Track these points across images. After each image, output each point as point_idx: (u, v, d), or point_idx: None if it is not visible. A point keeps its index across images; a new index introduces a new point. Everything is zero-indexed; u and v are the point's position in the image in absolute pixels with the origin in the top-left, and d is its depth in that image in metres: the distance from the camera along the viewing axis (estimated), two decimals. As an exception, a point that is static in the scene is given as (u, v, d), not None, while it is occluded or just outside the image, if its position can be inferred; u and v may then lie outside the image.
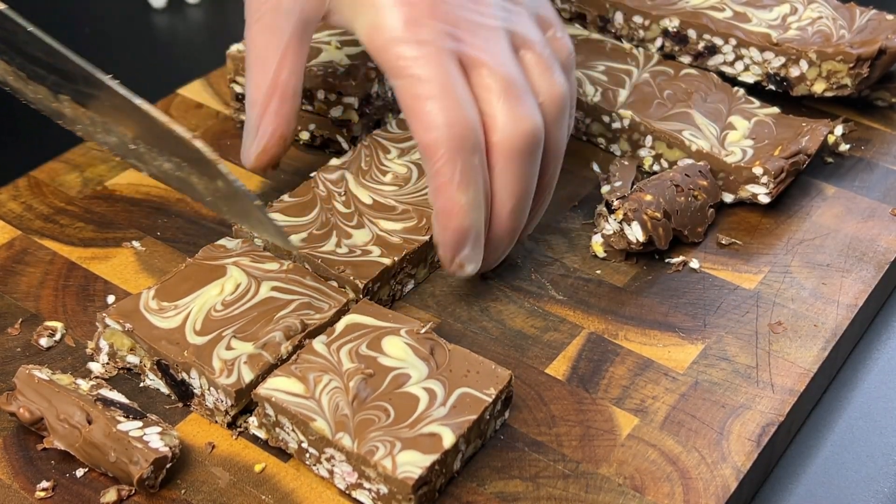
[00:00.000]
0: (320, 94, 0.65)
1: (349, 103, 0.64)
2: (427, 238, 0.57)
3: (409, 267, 0.57)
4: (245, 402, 0.50)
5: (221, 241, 0.58)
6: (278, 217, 0.58)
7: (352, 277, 0.55)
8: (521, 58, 0.54)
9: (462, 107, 0.51)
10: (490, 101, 0.52)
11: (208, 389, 0.50)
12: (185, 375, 0.51)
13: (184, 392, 0.52)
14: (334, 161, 0.62)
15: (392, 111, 0.68)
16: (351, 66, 0.65)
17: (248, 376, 0.50)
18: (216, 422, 0.51)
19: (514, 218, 0.54)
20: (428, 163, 0.52)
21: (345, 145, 0.66)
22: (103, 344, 0.53)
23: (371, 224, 0.58)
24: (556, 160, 0.56)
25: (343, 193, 0.60)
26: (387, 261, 0.56)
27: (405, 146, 0.63)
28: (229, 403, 0.50)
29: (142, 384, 0.53)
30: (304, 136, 0.67)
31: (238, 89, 0.67)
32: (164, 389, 0.53)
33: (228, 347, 0.51)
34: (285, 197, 0.60)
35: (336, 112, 0.65)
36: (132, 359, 0.53)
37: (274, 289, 0.54)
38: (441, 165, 0.51)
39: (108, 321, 0.53)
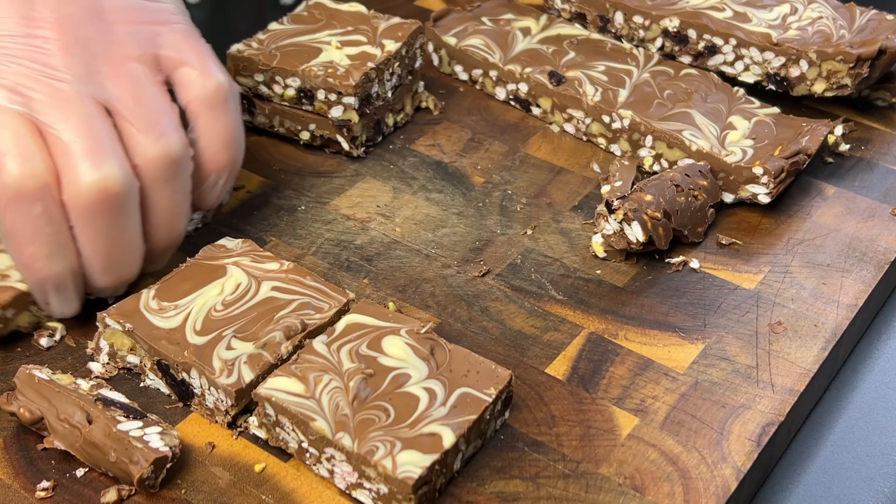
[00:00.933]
0: (320, 94, 0.65)
1: (349, 103, 0.64)
2: None
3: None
4: (245, 402, 0.50)
5: (222, 241, 0.58)
6: None
7: None
8: (114, 120, 0.52)
9: (29, 160, 0.49)
10: (62, 161, 0.50)
11: (208, 389, 0.50)
12: (185, 375, 0.51)
13: (184, 392, 0.52)
14: None
15: (392, 111, 0.68)
16: (351, 66, 0.64)
17: (248, 376, 0.50)
18: (216, 422, 0.51)
19: (109, 272, 0.53)
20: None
21: (345, 145, 0.66)
22: (103, 344, 0.53)
23: None
24: (169, 221, 0.54)
25: None
26: (23, 286, 0.54)
27: None
28: (229, 403, 0.50)
29: (142, 384, 0.53)
30: (305, 136, 0.67)
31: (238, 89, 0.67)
32: (165, 389, 0.53)
33: (229, 347, 0.51)
34: None
35: (336, 112, 0.65)
36: (132, 359, 0.53)
37: (274, 289, 0.54)
38: (4, 220, 0.50)
39: (109, 321, 0.53)
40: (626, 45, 0.72)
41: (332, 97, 0.64)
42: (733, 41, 0.69)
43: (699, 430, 0.51)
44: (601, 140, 0.68)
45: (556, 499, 0.48)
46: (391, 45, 0.66)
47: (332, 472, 0.48)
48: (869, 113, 0.71)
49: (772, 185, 0.61)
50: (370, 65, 0.65)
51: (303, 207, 0.64)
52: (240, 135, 0.57)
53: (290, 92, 0.65)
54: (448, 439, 0.47)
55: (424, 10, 0.81)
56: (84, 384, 0.51)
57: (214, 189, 0.57)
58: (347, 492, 0.48)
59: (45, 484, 0.48)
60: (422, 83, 0.71)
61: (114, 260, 0.53)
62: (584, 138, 0.69)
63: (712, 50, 0.70)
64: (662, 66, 0.70)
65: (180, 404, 0.52)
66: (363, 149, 0.67)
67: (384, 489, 0.46)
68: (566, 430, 0.51)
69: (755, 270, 0.59)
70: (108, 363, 0.54)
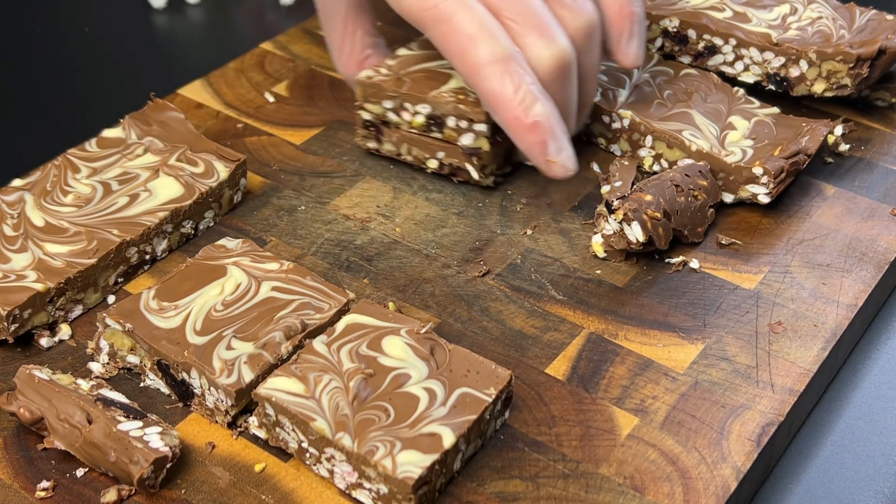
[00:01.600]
0: (451, 121, 0.62)
1: (480, 131, 0.62)
2: (94, 261, 0.56)
3: (74, 292, 0.56)
4: (245, 402, 0.50)
5: (222, 241, 0.58)
6: None
7: None
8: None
9: (499, 38, 0.58)
10: (519, 36, 0.58)
11: (208, 389, 0.50)
12: (185, 375, 0.51)
13: (184, 392, 0.52)
14: (16, 182, 0.60)
15: None
16: None
17: (248, 376, 0.50)
18: (216, 422, 0.51)
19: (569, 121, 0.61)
20: (481, 92, 0.58)
21: (474, 174, 0.64)
22: (103, 344, 0.54)
23: (35, 247, 0.56)
24: (591, 82, 0.63)
25: (16, 216, 0.58)
26: (39, 286, 0.54)
27: (98, 165, 0.62)
28: (229, 403, 0.50)
29: (142, 384, 0.53)
30: (433, 164, 0.65)
31: (366, 116, 0.66)
32: (165, 389, 0.53)
33: (229, 347, 0.51)
34: None
35: (466, 140, 0.63)
36: (132, 359, 0.53)
37: (274, 289, 0.54)
38: (491, 85, 0.57)
39: (109, 321, 0.53)
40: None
41: (463, 124, 0.62)
42: (733, 41, 0.69)
43: (699, 430, 0.51)
44: (601, 140, 0.68)
45: (556, 499, 0.48)
46: None
47: (332, 472, 0.48)
48: (869, 113, 0.71)
49: (772, 185, 0.61)
50: None
51: (303, 207, 0.64)
52: None
53: (420, 119, 0.63)
54: (448, 439, 0.47)
55: (424, 10, 0.81)
56: (84, 384, 0.51)
57: (632, 41, 0.63)
58: (347, 492, 0.48)
59: (45, 484, 0.48)
60: None
61: (568, 117, 0.61)
62: (584, 138, 0.69)
63: (712, 50, 0.70)
64: (662, 66, 0.70)
65: (180, 404, 0.52)
66: (492, 178, 0.65)
67: (384, 489, 0.46)
68: (566, 430, 0.51)
69: (755, 270, 0.59)
70: (108, 363, 0.54)
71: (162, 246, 0.60)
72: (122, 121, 0.64)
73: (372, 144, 0.66)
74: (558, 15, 0.60)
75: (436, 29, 0.59)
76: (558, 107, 0.59)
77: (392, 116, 0.64)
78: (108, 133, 0.64)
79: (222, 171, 0.62)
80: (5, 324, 0.53)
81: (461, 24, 0.58)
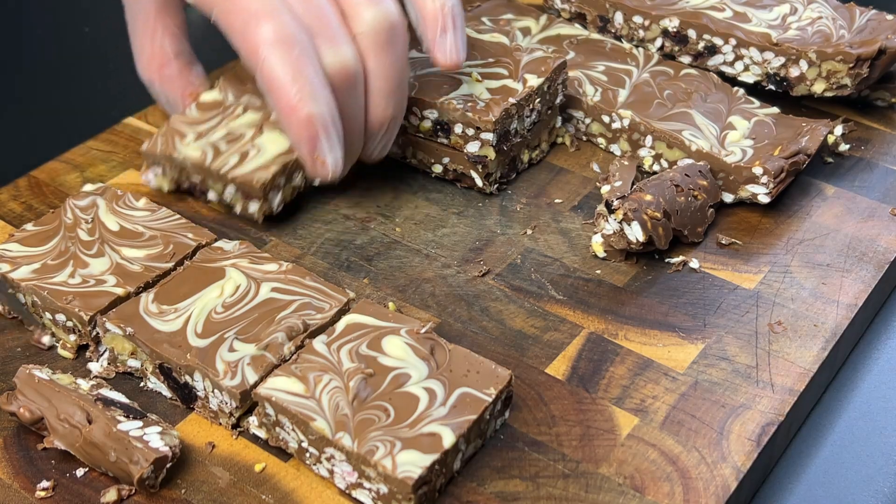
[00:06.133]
0: (458, 128, 0.62)
1: (486, 139, 0.62)
2: (171, 265, 0.56)
3: None
4: (249, 403, 0.50)
5: (219, 244, 0.58)
6: (15, 248, 0.57)
7: (77, 309, 0.53)
8: None
9: (285, 21, 0.54)
10: (311, 35, 0.55)
11: (212, 392, 0.50)
12: (188, 378, 0.51)
13: (187, 395, 0.52)
14: (88, 187, 0.61)
15: (528, 147, 0.66)
16: (491, 101, 0.62)
17: (252, 378, 0.50)
18: (220, 424, 0.51)
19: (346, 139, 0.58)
20: (258, 74, 0.55)
21: (478, 181, 0.64)
22: (103, 348, 0.53)
23: (112, 252, 0.57)
24: (386, 94, 0.58)
25: (90, 220, 0.58)
26: (120, 290, 0.54)
27: (203, 128, 0.63)
28: (234, 405, 0.50)
29: (142, 384, 0.53)
30: (437, 169, 0.65)
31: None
32: (167, 393, 0.52)
33: (231, 349, 0.51)
34: (29, 226, 0.58)
35: (472, 147, 0.62)
36: (133, 363, 0.53)
37: (274, 290, 0.54)
38: (270, 66, 0.54)
39: (109, 325, 0.53)
40: (626, 45, 0.72)
41: (470, 132, 0.62)
42: (733, 41, 0.69)
43: (699, 429, 0.51)
44: (601, 140, 0.68)
45: (555, 499, 0.48)
46: (533, 80, 0.63)
47: (332, 472, 0.48)
48: (869, 113, 0.71)
49: (772, 185, 0.61)
50: (511, 101, 0.62)
51: (303, 207, 0.64)
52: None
53: (427, 124, 0.63)
54: (448, 439, 0.47)
55: (424, 10, 0.81)
56: (84, 384, 0.51)
57: (446, 37, 0.59)
58: (347, 492, 0.48)
59: (45, 484, 0.48)
60: (560, 118, 0.68)
61: (349, 132, 0.57)
62: (584, 138, 0.69)
63: (712, 50, 0.70)
64: (662, 66, 0.70)
65: (181, 405, 0.52)
66: (496, 186, 0.64)
67: (384, 489, 0.46)
68: (566, 429, 0.51)
69: (755, 270, 0.59)
70: (107, 367, 0.54)
71: (276, 200, 0.61)
72: (217, 83, 0.65)
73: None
74: (350, 14, 0.57)
75: (221, 6, 0.56)
76: (343, 117, 0.57)
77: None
78: (207, 97, 0.65)
79: None
80: (88, 329, 0.53)
81: (247, 1, 0.55)
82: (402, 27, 0.58)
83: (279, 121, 0.56)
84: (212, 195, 0.62)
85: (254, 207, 0.61)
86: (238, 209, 0.61)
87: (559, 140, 0.68)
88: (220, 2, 0.56)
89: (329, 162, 0.57)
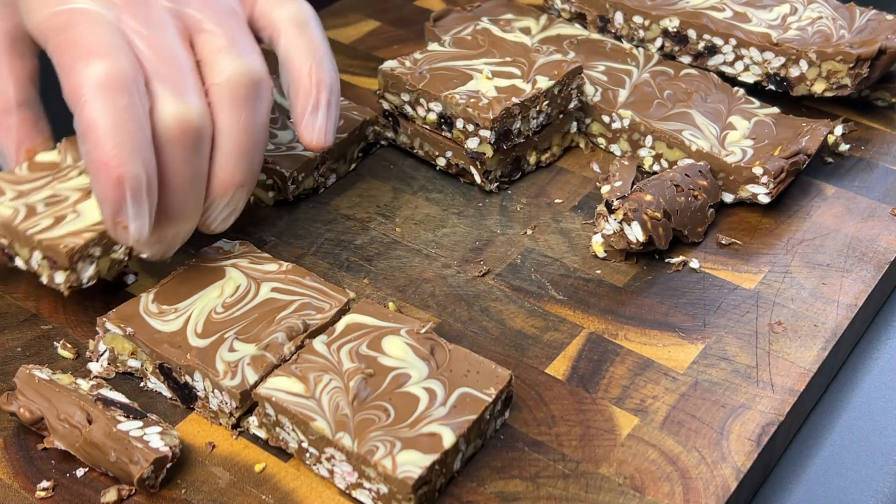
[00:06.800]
0: (459, 123, 0.63)
1: (484, 136, 0.62)
2: (346, 135, 0.64)
3: (332, 161, 0.64)
4: (249, 403, 0.50)
5: (219, 244, 0.58)
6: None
7: (278, 167, 0.61)
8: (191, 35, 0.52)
9: (121, 63, 0.49)
10: (149, 81, 0.50)
11: (212, 392, 0.50)
12: (188, 378, 0.51)
13: (187, 395, 0.52)
14: None
15: (536, 149, 0.66)
16: (495, 99, 0.62)
17: (252, 378, 0.50)
18: (220, 424, 0.51)
19: (179, 209, 0.51)
20: (77, 117, 0.49)
21: (477, 178, 0.64)
22: (103, 348, 0.53)
23: None
24: (238, 158, 0.52)
25: None
26: (310, 154, 0.62)
27: (26, 188, 0.55)
28: (234, 405, 0.50)
29: (142, 385, 0.53)
30: (441, 162, 0.65)
31: (385, 105, 0.66)
32: (167, 393, 0.52)
33: (231, 349, 0.51)
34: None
35: (471, 143, 0.63)
36: (133, 363, 0.53)
37: (274, 290, 0.54)
38: (90, 112, 0.48)
39: (109, 325, 0.53)
40: (626, 45, 0.72)
41: (470, 128, 0.62)
42: (733, 41, 0.69)
43: (699, 430, 0.51)
44: (601, 140, 0.68)
45: (556, 499, 0.48)
46: (543, 83, 0.63)
47: (332, 472, 0.48)
48: (869, 113, 0.71)
49: (772, 185, 0.61)
50: (514, 100, 0.62)
51: (303, 207, 0.64)
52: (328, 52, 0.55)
53: (432, 116, 0.64)
54: (448, 439, 0.47)
55: (424, 10, 0.81)
56: (84, 384, 0.51)
57: (317, 116, 0.54)
58: (347, 492, 0.48)
59: (45, 484, 0.48)
60: (574, 124, 0.67)
61: (185, 192, 0.51)
62: (584, 138, 0.69)
63: (712, 50, 0.70)
64: (662, 66, 0.70)
65: (181, 405, 0.52)
66: (496, 184, 0.64)
67: (384, 489, 0.46)
68: (566, 430, 0.51)
69: (755, 270, 0.59)
70: (107, 367, 0.54)
71: (88, 273, 0.53)
72: (59, 144, 0.58)
73: (389, 135, 0.67)
74: (207, 62, 0.51)
75: (55, 40, 0.50)
76: (168, 177, 0.50)
77: (408, 110, 0.65)
78: (43, 157, 0.57)
79: None
80: (288, 184, 0.62)
81: (82, 36, 0.49)
82: (266, 85, 0.52)
83: (88, 172, 0.49)
84: (18, 261, 0.54)
85: (60, 279, 0.53)
86: (44, 280, 0.53)
87: (573, 143, 0.68)
88: (55, 34, 0.50)
89: (132, 229, 0.49)
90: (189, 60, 0.51)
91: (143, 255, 0.53)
